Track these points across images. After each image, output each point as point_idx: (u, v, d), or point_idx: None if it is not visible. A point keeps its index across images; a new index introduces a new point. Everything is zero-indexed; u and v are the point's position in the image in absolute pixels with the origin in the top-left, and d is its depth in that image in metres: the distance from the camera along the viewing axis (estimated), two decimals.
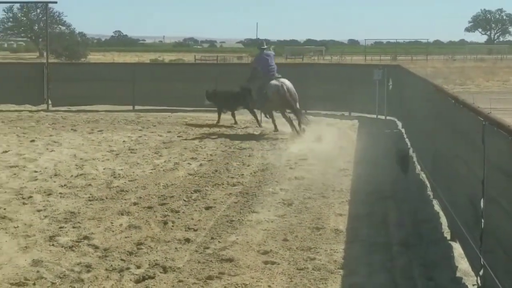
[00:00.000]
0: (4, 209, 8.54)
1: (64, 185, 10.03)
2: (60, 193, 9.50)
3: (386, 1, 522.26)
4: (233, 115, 18.19)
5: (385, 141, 14.58)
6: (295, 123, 15.44)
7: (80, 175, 10.78)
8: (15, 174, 10.82)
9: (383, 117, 18.97)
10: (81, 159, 12.27)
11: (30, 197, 9.21)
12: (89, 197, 9.29)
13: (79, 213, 8.41)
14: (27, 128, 16.49)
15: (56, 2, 24.79)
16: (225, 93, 18.10)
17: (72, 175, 10.74)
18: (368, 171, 11.15)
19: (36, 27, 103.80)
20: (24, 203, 8.90)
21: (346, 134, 15.97)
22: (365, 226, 7.96)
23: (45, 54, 30.18)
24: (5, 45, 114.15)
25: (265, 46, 16.92)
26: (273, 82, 15.68)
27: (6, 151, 12.99)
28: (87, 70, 23.80)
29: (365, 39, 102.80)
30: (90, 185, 10.06)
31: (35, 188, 9.75)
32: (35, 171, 11.05)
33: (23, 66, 28.69)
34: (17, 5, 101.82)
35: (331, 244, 7.22)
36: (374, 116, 19.25)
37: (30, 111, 20.33)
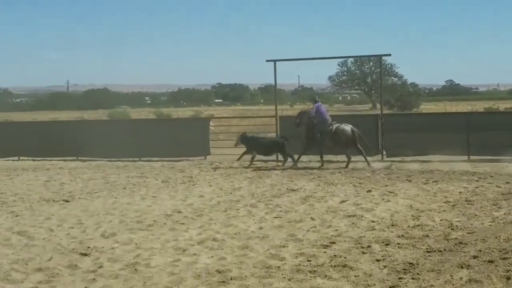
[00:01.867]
0: (345, 257, 8.79)
1: (401, 235, 10.05)
2: (398, 243, 9.53)
3: None
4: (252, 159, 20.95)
5: None
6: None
7: (417, 225, 10.73)
8: (353, 223, 11.12)
9: None
10: (417, 209, 12.24)
11: (369, 246, 9.37)
12: (427, 248, 9.18)
13: (417, 264, 8.34)
14: (363, 179, 16.92)
15: (390, 55, 25.30)
16: (259, 138, 21.69)
17: (409, 226, 10.74)
18: None
19: (369, 79, 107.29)
20: (363, 252, 9.08)
21: None
22: None
23: (378, 105, 30.91)
24: (340, 98, 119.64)
25: (318, 99, 21.58)
26: (346, 126, 20.53)
27: (344, 201, 13.43)
28: (420, 121, 23.81)
29: None
30: (427, 236, 9.95)
31: (373, 238, 9.92)
32: (372, 221, 11.24)
33: (358, 118, 29.66)
34: (351, 59, 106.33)
35: None
36: None
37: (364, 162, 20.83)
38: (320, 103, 21.20)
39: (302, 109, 22.84)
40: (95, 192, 15.49)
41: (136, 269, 8.38)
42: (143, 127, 25.84)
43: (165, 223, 11.45)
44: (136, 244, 9.83)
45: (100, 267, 8.50)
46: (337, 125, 20.55)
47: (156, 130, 25.21)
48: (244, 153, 21.28)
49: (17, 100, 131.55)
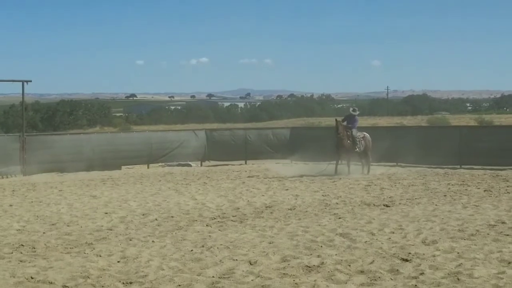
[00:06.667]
0: None
1: None
2: None
3: None
4: None
5: None
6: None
7: None
8: None
9: None
10: None
11: None
12: None
13: None
14: None
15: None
16: None
17: None
18: None
19: None
20: None
21: None
22: None
23: None
24: None
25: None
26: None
27: None
28: None
29: None
30: None
31: None
32: None
33: None
34: None
35: None
36: None
37: None
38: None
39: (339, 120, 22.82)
40: (415, 199, 15.45)
41: (458, 279, 8.16)
42: (465, 134, 25.14)
43: (488, 234, 11.02)
44: (458, 253, 9.59)
45: (421, 274, 8.41)
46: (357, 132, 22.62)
47: (478, 137, 24.48)
48: None
49: (338, 105, 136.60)
